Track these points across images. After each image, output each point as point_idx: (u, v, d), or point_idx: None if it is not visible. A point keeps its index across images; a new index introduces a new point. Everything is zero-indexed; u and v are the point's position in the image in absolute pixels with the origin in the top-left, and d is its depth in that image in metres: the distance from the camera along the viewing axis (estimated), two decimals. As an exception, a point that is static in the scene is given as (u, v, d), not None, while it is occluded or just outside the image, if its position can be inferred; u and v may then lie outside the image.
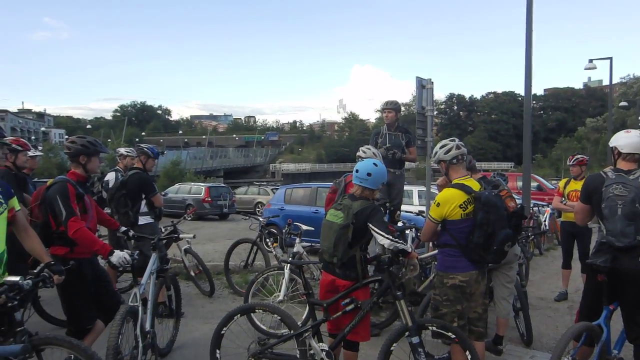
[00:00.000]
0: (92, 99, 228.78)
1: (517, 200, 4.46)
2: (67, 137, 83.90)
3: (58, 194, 3.43)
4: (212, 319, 5.29)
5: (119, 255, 3.49)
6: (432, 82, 7.47)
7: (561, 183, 6.82)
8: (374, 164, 3.43)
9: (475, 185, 3.34)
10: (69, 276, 3.27)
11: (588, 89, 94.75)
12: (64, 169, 25.27)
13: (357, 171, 3.42)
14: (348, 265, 3.31)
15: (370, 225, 3.24)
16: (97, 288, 3.64)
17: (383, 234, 3.21)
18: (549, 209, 11.65)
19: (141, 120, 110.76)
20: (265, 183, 33.44)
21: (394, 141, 6.01)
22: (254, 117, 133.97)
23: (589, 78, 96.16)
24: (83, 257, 3.52)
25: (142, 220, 5.46)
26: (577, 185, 6.39)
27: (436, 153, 3.53)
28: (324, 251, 3.39)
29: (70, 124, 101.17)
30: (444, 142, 3.52)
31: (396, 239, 3.20)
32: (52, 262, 2.95)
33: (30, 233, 3.04)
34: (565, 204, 6.39)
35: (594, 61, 21.54)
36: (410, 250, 3.26)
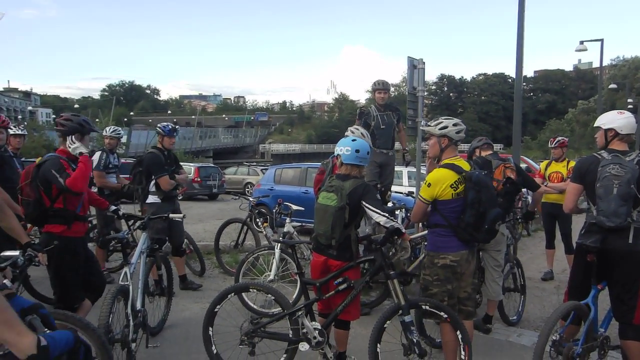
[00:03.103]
0: (79, 78, 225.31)
1: None
2: (54, 116, 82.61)
3: (52, 167, 3.43)
4: (202, 299, 5.31)
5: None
6: (424, 63, 7.40)
7: (542, 165, 6.89)
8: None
9: (465, 165, 3.34)
10: (64, 254, 3.34)
11: (578, 71, 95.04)
12: (51, 148, 24.88)
13: (357, 151, 3.36)
14: (343, 245, 3.32)
15: (365, 204, 3.24)
16: (87, 268, 3.66)
17: (378, 211, 3.21)
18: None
19: (129, 100, 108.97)
20: (254, 163, 33.31)
21: (388, 121, 6.00)
22: (243, 97, 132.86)
23: (579, 60, 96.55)
24: (77, 236, 3.56)
25: (150, 199, 5.54)
26: (558, 167, 6.45)
27: (446, 127, 3.37)
28: (320, 235, 3.36)
29: (58, 104, 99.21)
30: (456, 120, 3.42)
31: (391, 217, 3.21)
32: (32, 242, 2.98)
33: (7, 212, 3.02)
34: (546, 186, 6.45)
35: (584, 43, 21.50)
36: (404, 230, 3.26)
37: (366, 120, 6.01)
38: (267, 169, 17.30)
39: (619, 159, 3.14)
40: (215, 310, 3.51)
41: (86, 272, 3.63)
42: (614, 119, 3.30)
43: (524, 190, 11.34)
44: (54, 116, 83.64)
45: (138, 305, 3.63)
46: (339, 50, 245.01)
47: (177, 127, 5.83)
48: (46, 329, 1.91)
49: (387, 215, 3.21)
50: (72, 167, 3.53)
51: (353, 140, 3.45)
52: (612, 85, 37.26)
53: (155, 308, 4.29)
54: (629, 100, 38.56)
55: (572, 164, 5.91)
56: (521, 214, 5.26)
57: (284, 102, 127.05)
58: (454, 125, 3.38)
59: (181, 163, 6.21)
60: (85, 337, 2.78)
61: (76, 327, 2.80)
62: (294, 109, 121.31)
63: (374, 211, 3.22)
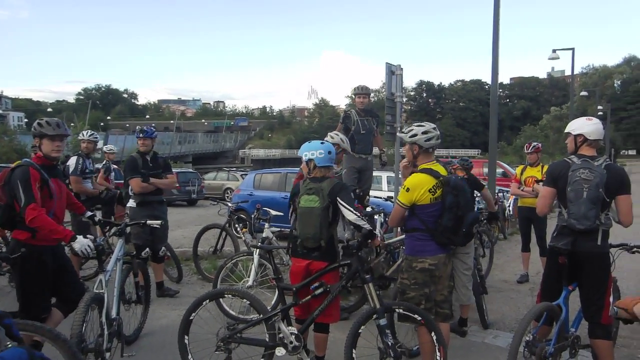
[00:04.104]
0: (53, 81, 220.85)
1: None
2: (27, 120, 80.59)
3: (19, 178, 3.27)
4: (180, 305, 5.23)
5: (82, 242, 3.32)
6: (402, 69, 7.48)
7: (518, 170, 7.06)
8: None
9: (441, 170, 3.39)
10: (28, 263, 3.19)
11: (551, 79, 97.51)
12: (23, 153, 24.26)
13: (329, 153, 3.49)
14: (327, 245, 3.38)
15: (340, 201, 3.33)
16: (60, 278, 3.50)
17: (351, 209, 3.32)
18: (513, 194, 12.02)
19: (106, 104, 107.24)
20: (234, 169, 33.10)
21: (368, 127, 6.08)
22: (223, 102, 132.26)
23: (553, 68, 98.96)
24: (45, 245, 3.38)
25: (130, 203, 5.45)
26: (533, 172, 6.63)
27: (415, 135, 3.39)
28: (308, 239, 3.36)
29: (30, 107, 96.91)
30: (427, 127, 3.41)
31: (362, 217, 3.32)
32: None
33: None
34: (522, 190, 6.60)
35: (557, 51, 22.10)
36: (376, 235, 3.34)
37: (346, 125, 6.07)
38: (246, 174, 17.24)
39: (588, 163, 3.25)
40: (191, 318, 3.47)
41: (58, 282, 3.48)
42: (582, 125, 3.41)
43: (499, 194, 11.61)
44: (26, 120, 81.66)
45: (113, 314, 3.55)
46: (318, 55, 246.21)
47: (145, 128, 5.61)
48: (9, 342, 1.83)
49: (358, 214, 3.33)
50: (42, 176, 3.36)
51: (322, 142, 3.60)
52: (584, 93, 38.45)
53: (131, 316, 4.22)
54: (599, 107, 39.76)
55: (547, 168, 6.07)
56: (485, 216, 5.33)
57: (264, 107, 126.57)
58: (423, 133, 3.39)
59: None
60: (55, 348, 2.71)
61: (45, 338, 2.71)
62: (274, 114, 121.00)
63: (347, 208, 3.33)
